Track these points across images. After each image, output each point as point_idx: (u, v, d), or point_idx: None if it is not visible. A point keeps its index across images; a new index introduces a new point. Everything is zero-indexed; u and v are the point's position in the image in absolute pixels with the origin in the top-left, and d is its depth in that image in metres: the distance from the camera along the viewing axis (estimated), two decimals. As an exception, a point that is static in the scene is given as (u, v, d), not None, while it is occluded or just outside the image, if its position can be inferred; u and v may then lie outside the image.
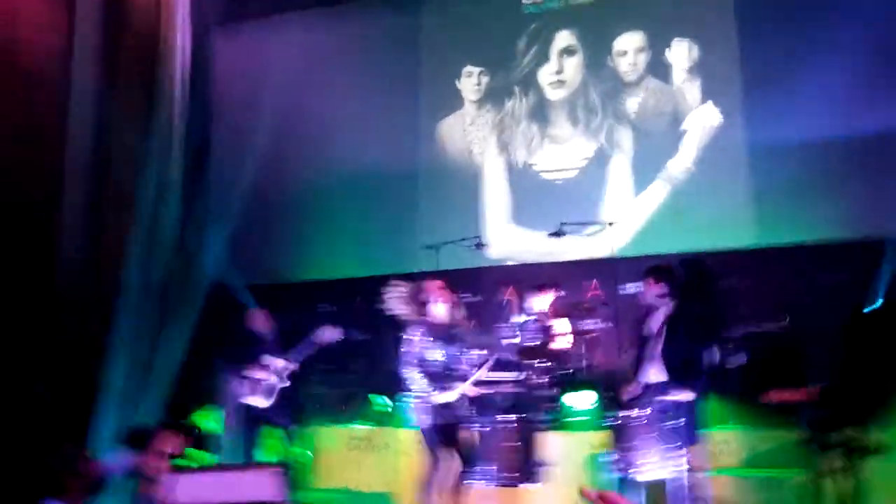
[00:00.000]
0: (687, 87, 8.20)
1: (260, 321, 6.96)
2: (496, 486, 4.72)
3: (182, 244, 8.86)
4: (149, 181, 8.47)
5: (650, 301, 5.38)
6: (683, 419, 4.90)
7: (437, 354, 4.81)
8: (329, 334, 4.05)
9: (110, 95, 8.65)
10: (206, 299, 7.69)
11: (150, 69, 8.87)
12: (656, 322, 5.35)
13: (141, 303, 7.48)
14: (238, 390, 7.08)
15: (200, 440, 6.11)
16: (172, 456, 3.09)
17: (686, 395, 5.01)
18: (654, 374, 5.27)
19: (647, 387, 5.27)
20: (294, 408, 7.71)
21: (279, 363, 6.60)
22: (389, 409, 7.68)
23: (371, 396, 7.42)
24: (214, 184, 9.50)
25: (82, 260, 8.10)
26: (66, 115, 8.11)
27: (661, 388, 5.19)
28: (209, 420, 7.05)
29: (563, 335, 6.84)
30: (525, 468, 4.73)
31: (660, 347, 5.26)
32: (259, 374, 6.57)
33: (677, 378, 5.10)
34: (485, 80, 9.08)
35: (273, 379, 6.57)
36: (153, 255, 8.35)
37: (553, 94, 8.77)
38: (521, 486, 4.85)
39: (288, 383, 6.55)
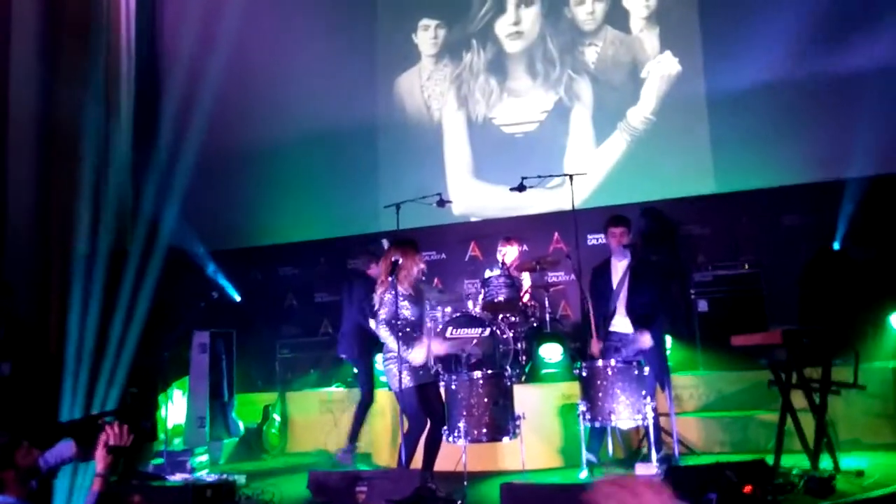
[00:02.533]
0: (645, 35, 8.14)
1: None
2: (469, 442, 4.73)
3: (137, 210, 8.63)
4: (96, 144, 8.18)
5: (615, 250, 5.39)
6: (649, 367, 4.97)
7: (406, 313, 4.75)
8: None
9: (53, 56, 8.29)
10: (165, 266, 7.48)
11: (93, 24, 8.52)
12: (617, 273, 5.38)
13: (94, 271, 7.27)
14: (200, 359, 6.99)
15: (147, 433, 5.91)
16: (117, 449, 2.97)
17: (646, 342, 5.09)
18: (620, 325, 5.33)
19: (613, 336, 5.33)
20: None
21: None
22: (356, 371, 7.66)
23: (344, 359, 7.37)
24: (166, 146, 9.18)
25: (31, 230, 7.83)
26: (7, 75, 7.73)
27: (626, 337, 5.27)
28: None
29: (527, 289, 6.86)
30: (497, 423, 4.75)
31: (624, 298, 5.30)
32: None
33: (641, 326, 5.18)
34: (442, 33, 8.88)
35: None
36: (103, 222, 8.11)
37: (511, 47, 8.63)
38: (495, 440, 4.88)
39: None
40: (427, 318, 6.70)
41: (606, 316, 5.36)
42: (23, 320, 6.62)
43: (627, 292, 5.32)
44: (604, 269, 5.50)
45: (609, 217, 5.57)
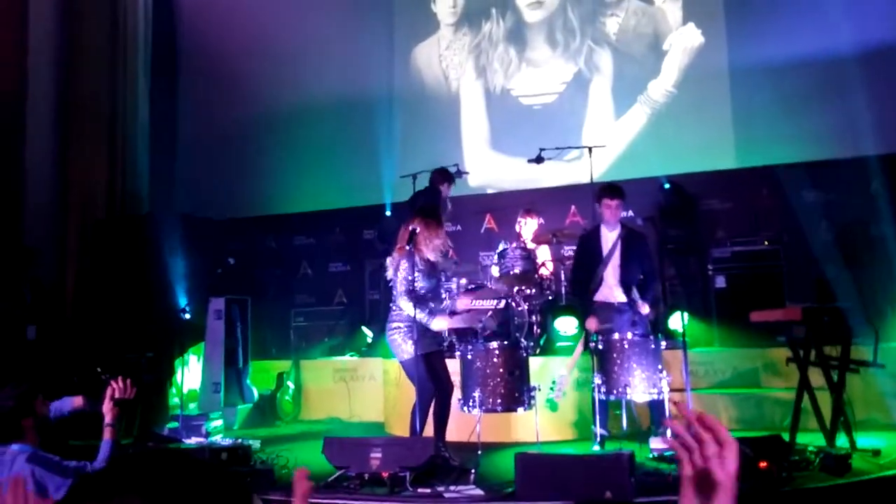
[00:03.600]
0: (668, 6, 7.98)
1: None
2: (483, 412, 4.74)
3: (153, 176, 8.66)
4: (113, 110, 8.20)
5: (608, 221, 5.33)
6: (664, 342, 4.95)
7: (419, 285, 4.73)
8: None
9: (70, 25, 8.28)
10: (182, 233, 7.52)
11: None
12: (607, 243, 5.32)
13: (113, 239, 7.32)
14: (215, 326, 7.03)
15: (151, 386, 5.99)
16: (121, 402, 3.25)
17: (645, 308, 5.07)
18: (607, 294, 5.29)
19: (598, 306, 5.28)
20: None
21: None
22: (370, 340, 7.70)
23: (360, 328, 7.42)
24: (184, 114, 9.18)
25: (50, 195, 7.88)
26: (26, 42, 7.73)
27: (617, 307, 5.23)
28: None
29: (544, 262, 6.82)
30: (512, 394, 4.75)
31: (615, 269, 5.26)
32: None
33: (637, 295, 5.17)
34: (461, 1, 8.75)
35: None
36: (124, 190, 8.15)
37: (531, 16, 8.49)
38: (510, 411, 4.89)
39: None
40: (442, 288, 6.71)
41: (591, 286, 5.30)
42: (46, 285, 6.70)
43: (619, 263, 5.27)
44: (593, 238, 5.43)
45: (603, 187, 5.49)
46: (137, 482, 0.98)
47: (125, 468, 1.01)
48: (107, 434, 3.20)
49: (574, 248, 7.64)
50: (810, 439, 4.53)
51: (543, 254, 6.95)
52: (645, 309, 5.15)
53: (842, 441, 4.47)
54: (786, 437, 4.38)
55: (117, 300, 7.06)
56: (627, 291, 5.24)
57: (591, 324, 5.23)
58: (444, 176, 6.54)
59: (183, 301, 7.14)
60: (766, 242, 6.53)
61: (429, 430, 4.75)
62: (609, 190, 5.40)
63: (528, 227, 6.81)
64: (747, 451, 3.88)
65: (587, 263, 5.39)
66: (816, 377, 4.62)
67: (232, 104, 8.69)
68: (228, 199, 8.75)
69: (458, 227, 8.37)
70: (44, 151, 7.88)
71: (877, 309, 5.11)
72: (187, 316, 6.79)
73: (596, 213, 6.78)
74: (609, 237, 5.34)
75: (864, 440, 4.55)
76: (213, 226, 8.45)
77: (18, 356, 5.61)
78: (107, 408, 3.24)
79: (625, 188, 5.62)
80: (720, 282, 6.50)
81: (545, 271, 6.78)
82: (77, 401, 3.47)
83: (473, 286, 6.54)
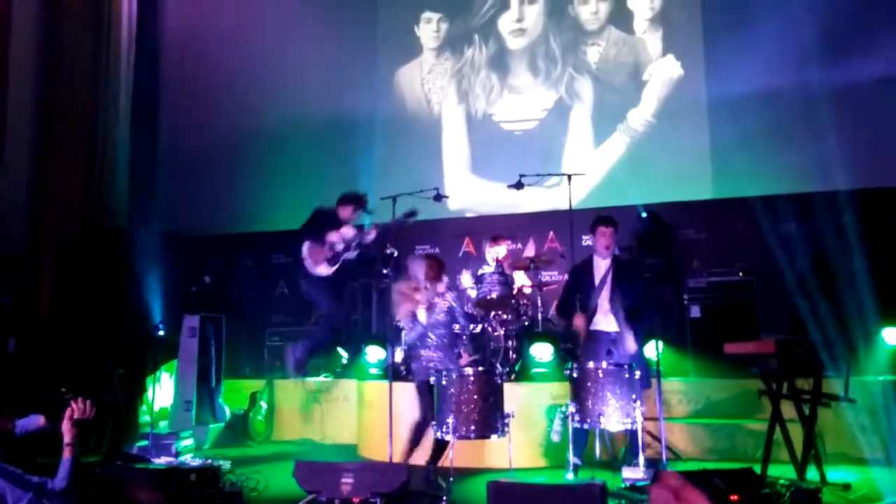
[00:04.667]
0: (648, 37, 8.12)
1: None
2: (457, 438, 4.71)
3: (132, 192, 8.57)
4: (94, 124, 8.13)
5: (599, 251, 5.36)
6: (639, 371, 4.96)
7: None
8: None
9: (53, 34, 8.22)
10: (158, 249, 7.43)
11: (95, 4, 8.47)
12: (599, 271, 5.35)
13: (89, 253, 7.22)
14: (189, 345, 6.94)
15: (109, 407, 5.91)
16: (81, 422, 3.31)
17: (631, 346, 5.09)
18: (603, 323, 5.31)
19: (599, 336, 5.30)
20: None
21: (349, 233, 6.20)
22: (345, 361, 7.63)
23: (338, 349, 7.36)
24: (164, 130, 9.11)
25: (26, 205, 7.76)
26: (7, 53, 7.66)
27: (609, 337, 5.25)
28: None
29: (521, 287, 6.84)
30: (486, 420, 4.72)
31: (607, 297, 5.28)
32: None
33: (626, 328, 5.18)
34: (444, 26, 8.83)
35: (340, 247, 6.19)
36: (102, 204, 8.05)
37: (513, 43, 8.59)
38: (483, 437, 4.86)
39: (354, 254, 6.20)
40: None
41: (587, 315, 5.33)
42: (27, 293, 6.59)
43: (610, 291, 5.29)
44: (586, 267, 5.46)
45: (598, 217, 5.53)
46: None
47: None
48: (66, 453, 3.26)
49: (552, 273, 7.73)
50: (781, 471, 4.55)
51: (521, 279, 6.97)
52: (631, 345, 5.13)
53: (812, 474, 4.49)
54: (757, 469, 4.39)
55: (91, 315, 6.95)
56: (619, 322, 5.23)
57: (579, 320, 5.25)
58: (344, 200, 6.50)
59: (157, 317, 7.04)
60: (740, 273, 6.60)
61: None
62: (604, 219, 5.46)
63: (500, 253, 6.83)
64: (719, 485, 3.89)
65: (575, 292, 5.41)
66: (788, 409, 4.65)
67: (213, 122, 8.67)
68: (207, 216, 8.69)
69: (437, 250, 8.37)
70: (21, 163, 7.78)
71: (849, 342, 5.16)
72: (161, 333, 6.69)
73: (574, 241, 6.87)
74: (601, 266, 5.37)
75: (835, 474, 4.58)
76: (190, 242, 8.37)
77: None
78: (66, 427, 3.29)
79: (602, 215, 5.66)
80: (695, 311, 6.55)
81: (523, 296, 6.79)
82: (40, 420, 3.55)
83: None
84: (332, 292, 6.28)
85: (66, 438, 3.28)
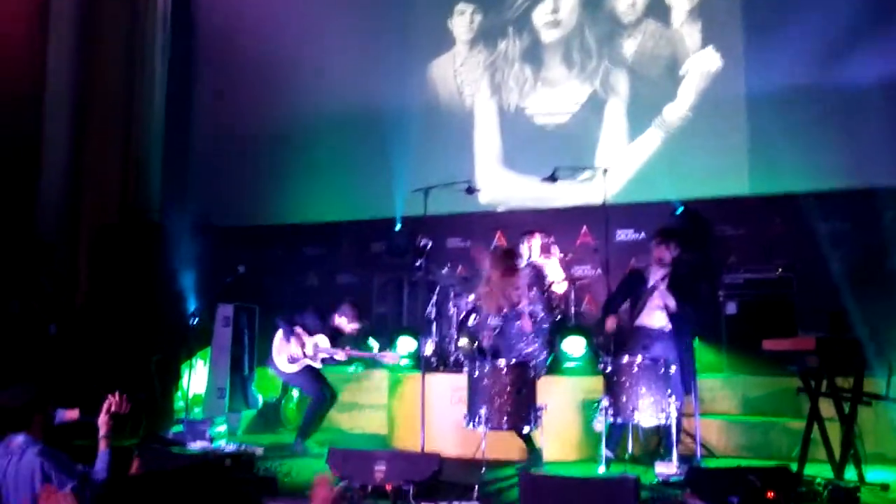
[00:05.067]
0: (686, 30, 8.00)
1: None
2: (489, 429, 4.71)
3: (167, 184, 8.70)
4: (130, 113, 8.26)
5: (661, 261, 5.32)
6: (675, 367, 4.91)
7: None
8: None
9: (90, 29, 8.37)
10: (191, 240, 7.54)
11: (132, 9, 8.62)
12: (656, 275, 5.32)
13: (125, 243, 7.35)
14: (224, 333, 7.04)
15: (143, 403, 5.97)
16: (117, 415, 3.45)
17: (665, 350, 5.05)
18: (650, 318, 5.27)
19: (640, 332, 5.28)
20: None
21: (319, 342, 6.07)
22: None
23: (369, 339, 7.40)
24: (199, 121, 9.23)
25: (63, 192, 7.91)
26: (45, 50, 7.82)
27: (653, 332, 5.22)
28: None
29: (555, 281, 6.81)
30: (519, 412, 4.72)
31: (660, 295, 5.24)
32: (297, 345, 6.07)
33: (675, 325, 5.15)
34: (478, 18, 8.80)
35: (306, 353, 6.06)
36: (137, 194, 8.18)
37: (547, 36, 8.52)
38: (515, 429, 4.86)
39: (319, 365, 6.07)
40: (451, 304, 6.71)
41: (635, 310, 5.32)
42: (65, 277, 6.74)
43: (661, 294, 5.25)
44: (642, 272, 5.45)
45: (665, 230, 5.50)
46: None
47: None
48: (102, 445, 3.37)
49: (584, 267, 7.69)
50: (818, 470, 4.48)
51: (554, 273, 6.93)
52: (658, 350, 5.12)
53: (850, 474, 4.42)
54: (793, 467, 4.33)
55: (127, 302, 7.08)
56: (670, 317, 5.21)
57: (610, 321, 5.21)
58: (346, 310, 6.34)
59: (192, 306, 7.15)
60: (779, 270, 6.49)
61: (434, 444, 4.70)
62: (659, 233, 5.45)
63: (534, 246, 6.81)
64: (754, 482, 3.84)
65: (630, 290, 5.42)
66: (826, 408, 4.57)
67: (246, 113, 8.76)
68: (240, 207, 8.78)
69: (468, 243, 8.37)
70: (59, 153, 7.93)
71: (890, 342, 5.05)
72: (195, 321, 6.79)
73: (609, 236, 6.82)
74: (658, 272, 5.34)
75: (873, 474, 4.50)
76: (224, 233, 8.47)
77: (40, 351, 5.66)
78: (102, 420, 3.40)
79: (637, 211, 5.60)
80: (731, 308, 6.46)
81: (558, 289, 6.76)
82: (73, 413, 3.74)
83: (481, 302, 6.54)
84: (304, 376, 6.11)
85: (102, 431, 3.39)
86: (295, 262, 8.99)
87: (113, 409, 3.42)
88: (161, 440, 5.25)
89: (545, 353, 5.45)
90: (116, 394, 3.45)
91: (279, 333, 6.16)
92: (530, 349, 5.34)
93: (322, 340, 6.07)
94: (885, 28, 6.97)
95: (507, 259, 5.54)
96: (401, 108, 8.79)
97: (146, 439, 5.23)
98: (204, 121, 9.45)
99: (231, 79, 9.23)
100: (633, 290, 5.42)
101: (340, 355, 6.06)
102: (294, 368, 6.06)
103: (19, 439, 3.15)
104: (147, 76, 8.77)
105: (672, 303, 5.18)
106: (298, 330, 6.07)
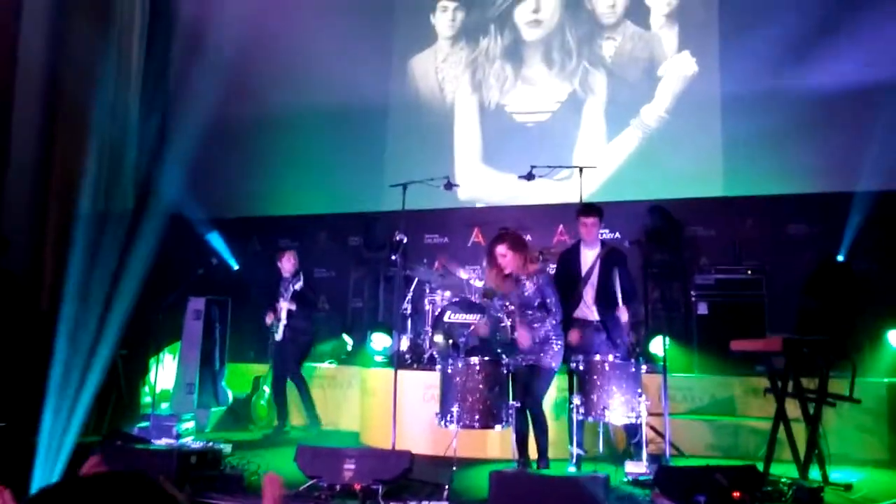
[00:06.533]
0: (664, 33, 8.06)
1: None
2: (461, 427, 4.71)
3: (139, 173, 8.56)
4: (104, 104, 8.11)
5: (586, 240, 5.32)
6: (644, 366, 4.94)
7: None
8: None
9: (64, 15, 8.19)
10: (165, 231, 7.43)
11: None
12: (587, 261, 5.32)
13: (94, 234, 7.20)
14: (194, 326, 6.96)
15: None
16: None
17: (624, 315, 5.05)
18: (585, 312, 5.28)
19: (577, 324, 5.26)
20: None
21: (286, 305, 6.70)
22: (350, 348, 7.64)
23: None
24: (174, 111, 9.10)
25: (31, 183, 7.75)
26: (18, 28, 7.64)
27: (595, 325, 5.22)
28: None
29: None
30: (491, 410, 4.72)
31: (593, 287, 5.24)
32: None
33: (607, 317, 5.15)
34: (460, 15, 8.78)
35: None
36: (109, 184, 8.04)
37: (529, 34, 8.54)
38: (487, 427, 4.86)
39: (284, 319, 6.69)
40: (426, 300, 6.69)
41: (571, 303, 5.30)
42: (18, 275, 6.58)
43: (598, 281, 5.26)
44: (572, 255, 5.43)
45: (581, 205, 5.48)
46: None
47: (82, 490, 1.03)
48: None
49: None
50: (783, 470, 4.54)
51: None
52: (623, 315, 5.09)
53: (815, 474, 4.48)
54: (760, 466, 4.39)
55: (95, 295, 6.95)
56: (604, 310, 5.22)
57: (574, 336, 5.21)
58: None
59: (161, 299, 7.05)
60: (749, 272, 6.58)
61: (406, 442, 4.67)
62: (584, 208, 5.41)
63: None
64: (721, 481, 3.88)
65: (565, 281, 5.38)
66: (793, 408, 4.64)
67: (222, 104, 8.62)
68: (214, 198, 8.68)
69: (446, 239, 8.37)
70: (29, 140, 7.77)
71: (855, 343, 5.14)
72: (165, 314, 6.71)
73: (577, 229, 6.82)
74: (588, 255, 5.34)
75: (837, 474, 4.56)
76: (197, 225, 8.37)
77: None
78: None
79: (612, 211, 5.62)
80: (702, 308, 6.53)
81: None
82: None
83: (457, 299, 6.55)
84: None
85: None
86: (270, 255, 8.91)
87: None
88: (125, 436, 5.17)
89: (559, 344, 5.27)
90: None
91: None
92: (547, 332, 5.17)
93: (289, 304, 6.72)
94: (856, 35, 7.07)
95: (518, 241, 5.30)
96: (381, 102, 8.76)
97: (109, 436, 5.14)
98: (179, 112, 9.32)
99: (210, 69, 9.11)
100: (567, 274, 5.36)
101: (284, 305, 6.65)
102: (279, 335, 6.66)
103: None
104: (123, 65, 8.63)
105: (605, 293, 5.17)
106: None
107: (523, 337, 4.86)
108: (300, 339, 6.69)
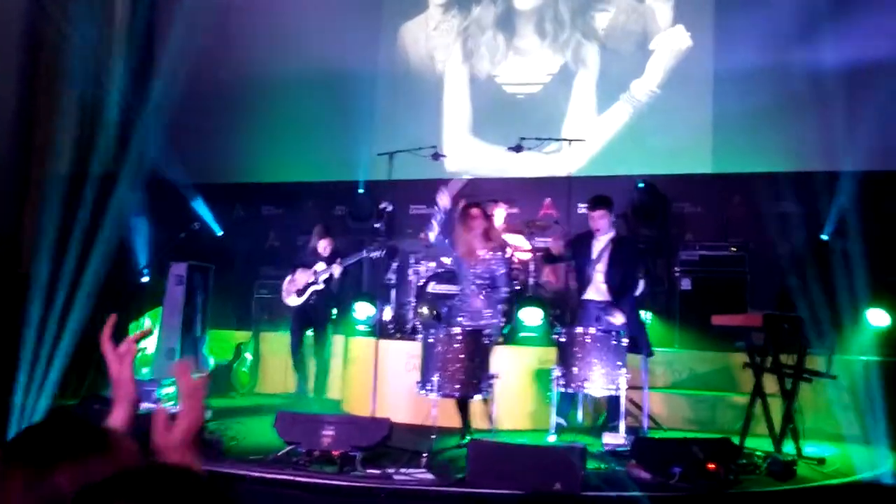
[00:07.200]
0: (659, 6, 7.96)
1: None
2: (441, 396, 4.72)
3: (122, 135, 8.43)
4: (85, 62, 7.94)
5: (600, 228, 5.35)
6: (627, 340, 4.97)
7: None
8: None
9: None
10: (147, 195, 7.34)
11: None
12: (598, 245, 5.36)
13: (73, 192, 7.10)
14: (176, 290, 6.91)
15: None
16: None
17: (619, 319, 5.10)
18: (595, 293, 5.32)
19: (589, 305, 5.32)
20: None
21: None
22: (334, 317, 7.61)
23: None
24: (158, 73, 8.93)
25: (11, 146, 7.62)
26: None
27: (602, 307, 5.27)
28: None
29: (514, 251, 6.80)
30: (471, 380, 4.73)
31: (603, 269, 5.29)
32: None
33: (616, 299, 5.20)
34: (452, -18, 8.64)
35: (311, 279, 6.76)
36: (89, 144, 7.91)
37: (522, 4, 8.41)
38: (467, 397, 4.87)
39: (321, 286, 6.74)
40: (410, 271, 6.67)
41: (580, 284, 5.36)
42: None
43: (606, 267, 5.30)
44: (584, 242, 5.47)
45: (591, 199, 5.48)
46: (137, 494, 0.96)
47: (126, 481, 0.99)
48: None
49: (546, 240, 7.69)
50: (759, 444, 4.59)
51: (518, 243, 6.92)
52: (618, 318, 5.16)
53: (789, 448, 4.54)
54: (736, 440, 4.43)
55: (75, 258, 6.87)
56: (614, 294, 5.28)
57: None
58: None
59: (142, 263, 6.99)
60: (732, 249, 6.59)
61: (388, 410, 4.68)
62: (591, 202, 5.45)
63: (496, 217, 6.79)
64: (697, 453, 3.92)
65: (578, 261, 5.48)
66: (770, 384, 4.68)
67: (209, 68, 8.48)
68: (198, 163, 8.57)
69: (432, 210, 8.30)
70: (7, 100, 7.61)
71: (835, 321, 5.18)
72: (146, 279, 6.65)
73: (571, 208, 6.83)
74: (602, 240, 5.38)
75: (811, 448, 4.62)
76: (180, 189, 8.27)
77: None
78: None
79: (600, 185, 5.61)
80: (686, 284, 6.56)
81: (522, 256, 6.77)
82: None
83: (440, 270, 6.53)
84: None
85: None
86: (254, 222, 8.85)
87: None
88: (103, 400, 5.13)
89: (502, 320, 5.42)
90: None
91: (286, 279, 6.84)
92: (489, 312, 5.28)
93: (319, 266, 6.74)
94: (851, 14, 7.02)
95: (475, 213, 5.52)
96: (370, 69, 8.63)
97: (87, 399, 5.11)
98: (164, 75, 9.15)
99: (196, 33, 8.93)
100: (575, 257, 5.46)
101: (336, 269, 6.68)
102: (302, 299, 6.70)
103: None
104: (105, 25, 8.44)
105: (613, 279, 5.23)
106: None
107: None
108: (321, 312, 6.83)
